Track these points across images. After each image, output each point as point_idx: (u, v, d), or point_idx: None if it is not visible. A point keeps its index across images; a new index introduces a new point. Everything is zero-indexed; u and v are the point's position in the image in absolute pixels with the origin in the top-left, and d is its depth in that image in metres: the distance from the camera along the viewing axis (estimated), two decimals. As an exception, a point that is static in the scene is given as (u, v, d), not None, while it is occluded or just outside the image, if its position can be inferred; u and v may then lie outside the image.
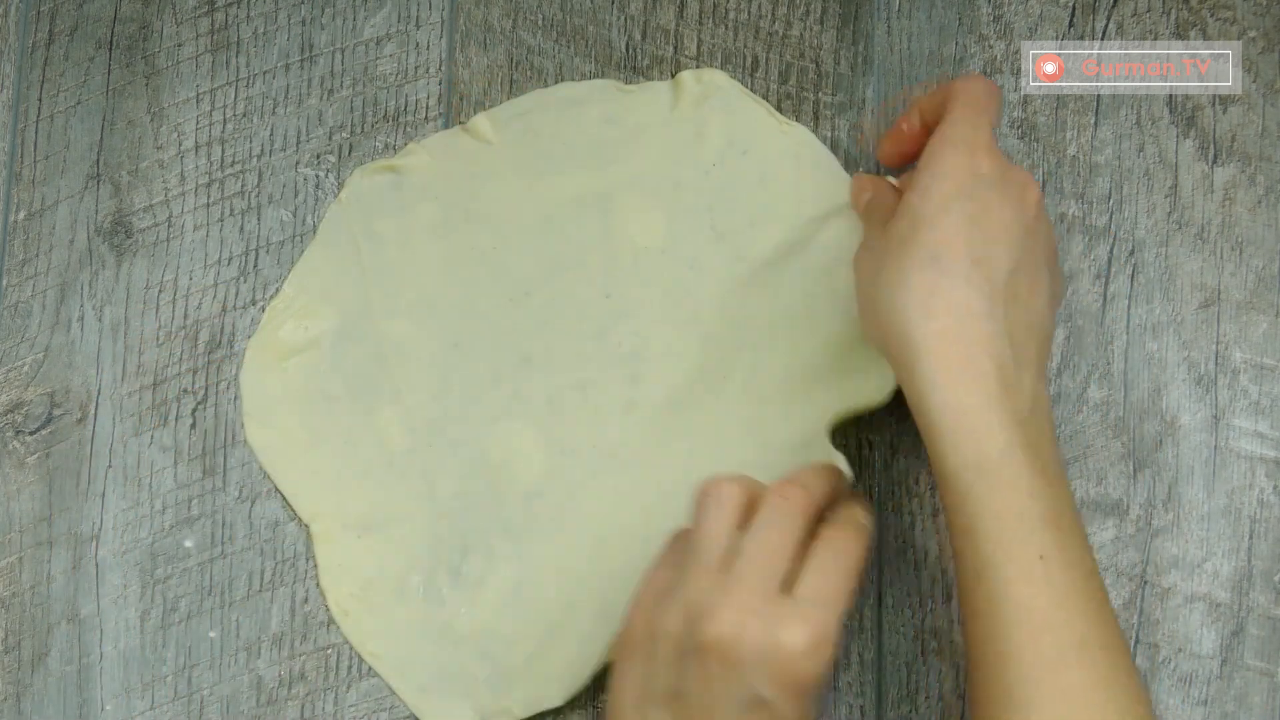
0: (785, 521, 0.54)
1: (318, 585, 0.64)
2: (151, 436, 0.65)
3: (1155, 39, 0.66)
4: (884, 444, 0.64)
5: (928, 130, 0.61)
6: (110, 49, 0.69)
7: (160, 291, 0.67)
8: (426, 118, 0.68)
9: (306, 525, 0.64)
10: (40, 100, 0.68)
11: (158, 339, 0.66)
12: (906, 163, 0.63)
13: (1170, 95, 0.66)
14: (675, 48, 0.68)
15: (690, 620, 0.53)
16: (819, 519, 0.56)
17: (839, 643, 0.53)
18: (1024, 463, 0.53)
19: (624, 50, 0.68)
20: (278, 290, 0.66)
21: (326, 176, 0.67)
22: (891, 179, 0.63)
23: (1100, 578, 0.54)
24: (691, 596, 0.53)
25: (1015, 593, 0.52)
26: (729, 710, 0.52)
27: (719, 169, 0.66)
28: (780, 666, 0.52)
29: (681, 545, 0.56)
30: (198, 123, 0.68)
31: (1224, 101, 0.66)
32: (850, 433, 0.64)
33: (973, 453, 0.53)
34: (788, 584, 0.53)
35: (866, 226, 0.61)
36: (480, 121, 0.67)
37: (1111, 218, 0.65)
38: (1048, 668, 0.51)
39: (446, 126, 0.67)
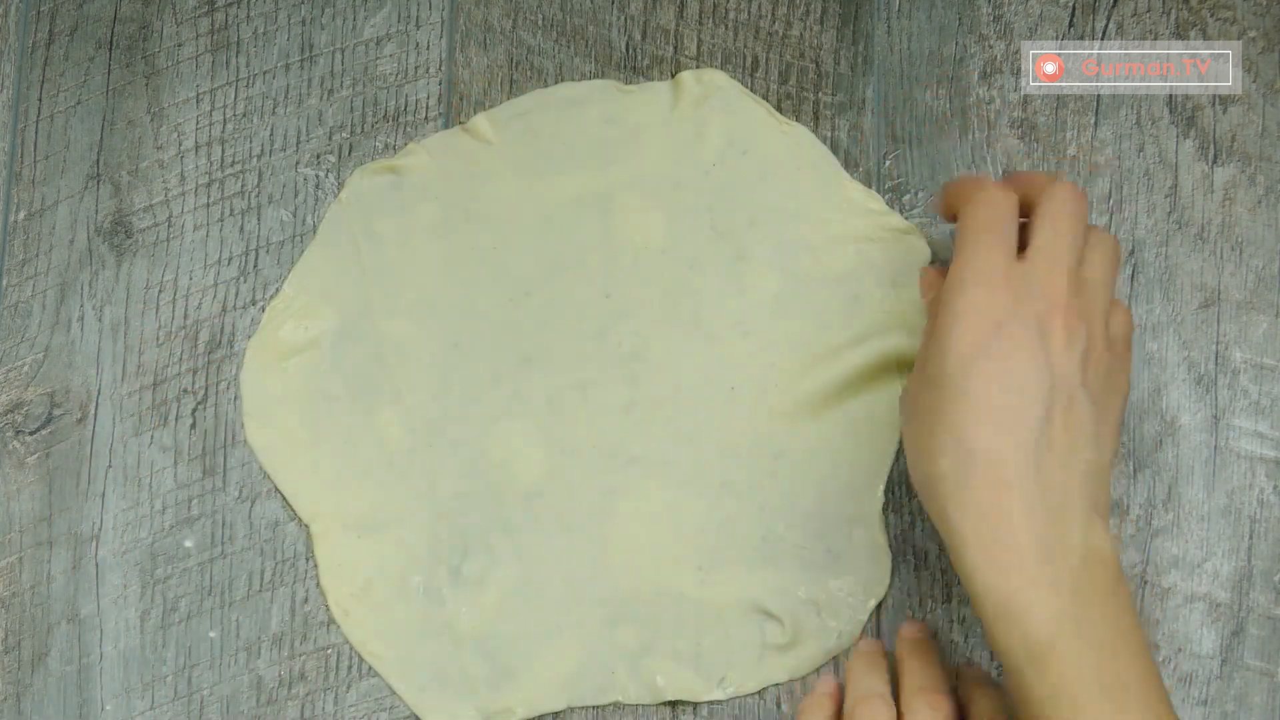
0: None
1: (318, 585, 0.64)
2: (151, 436, 0.65)
3: (1155, 39, 0.66)
4: (884, 444, 0.64)
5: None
6: (110, 49, 0.69)
7: (160, 291, 0.67)
8: (426, 118, 0.68)
9: (306, 525, 0.64)
10: (40, 100, 0.68)
11: (158, 339, 0.66)
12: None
13: (1170, 95, 0.66)
14: (675, 48, 0.68)
15: None
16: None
17: None
18: (1074, 638, 0.51)
19: (624, 50, 0.68)
20: (278, 290, 0.66)
21: (326, 176, 0.67)
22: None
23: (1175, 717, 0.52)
24: None
25: None
26: None
27: (719, 169, 0.66)
28: None
29: None
30: (198, 123, 0.68)
31: (1224, 101, 0.66)
32: (850, 433, 0.64)
33: (1019, 637, 0.52)
34: None
35: (921, 346, 0.58)
36: (480, 121, 0.67)
37: (1111, 218, 0.65)
38: None
39: (446, 126, 0.67)
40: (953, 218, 0.59)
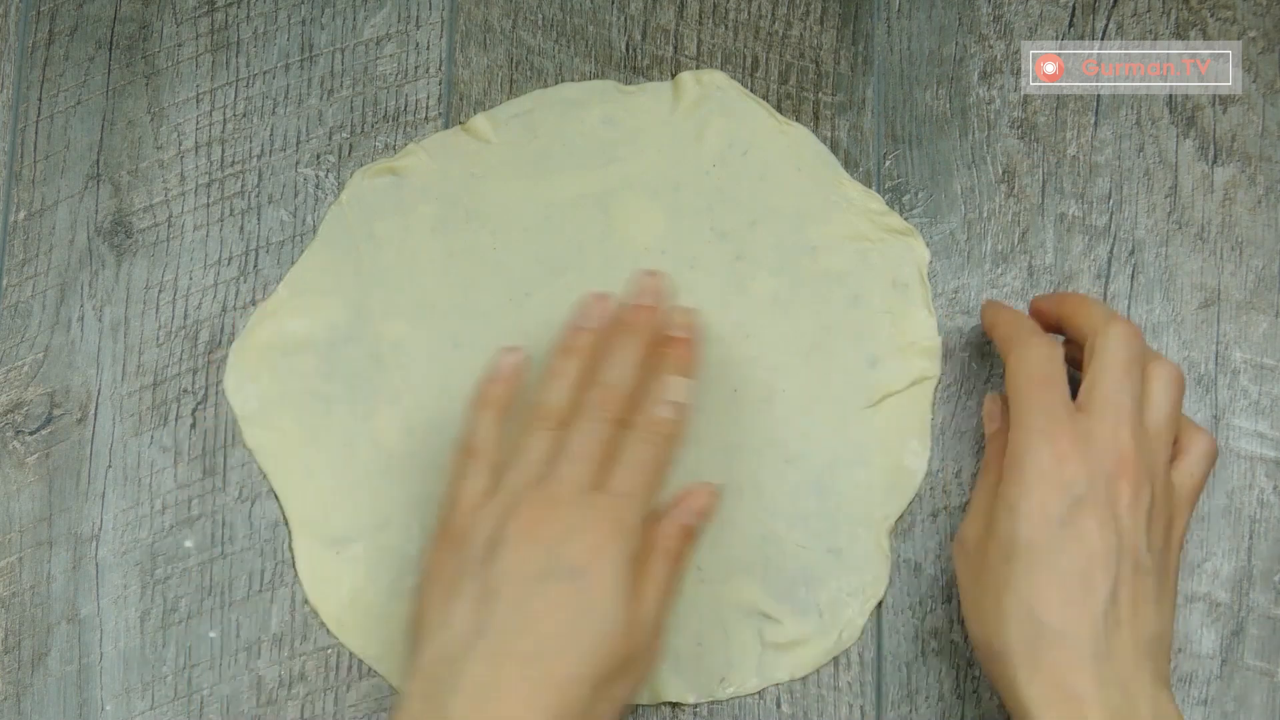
0: (598, 431, 0.57)
1: (307, 601, 0.64)
2: (151, 436, 0.65)
3: (1155, 39, 0.66)
4: (884, 444, 0.64)
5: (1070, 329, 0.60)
6: (110, 49, 0.69)
7: (160, 291, 0.66)
8: (426, 118, 0.68)
9: (290, 537, 0.64)
10: (40, 100, 0.68)
11: (158, 339, 0.66)
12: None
13: (1170, 95, 0.66)
14: (675, 48, 0.68)
15: (504, 515, 0.56)
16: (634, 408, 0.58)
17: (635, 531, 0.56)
18: None
19: (624, 50, 0.68)
20: (273, 292, 0.66)
21: (326, 176, 0.67)
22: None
23: None
24: (505, 501, 0.56)
25: None
26: (536, 582, 0.54)
27: (719, 169, 0.66)
28: (588, 544, 0.55)
29: (474, 448, 0.58)
30: (198, 123, 0.68)
31: (1224, 101, 0.66)
32: (850, 433, 0.64)
33: None
34: (598, 484, 0.56)
35: (979, 483, 0.59)
36: (480, 121, 0.67)
37: (1111, 218, 0.65)
38: None
39: (446, 126, 0.67)
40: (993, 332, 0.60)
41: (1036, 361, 0.57)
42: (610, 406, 0.57)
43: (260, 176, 0.67)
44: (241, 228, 0.67)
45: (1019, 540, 0.54)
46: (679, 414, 0.58)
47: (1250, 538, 0.63)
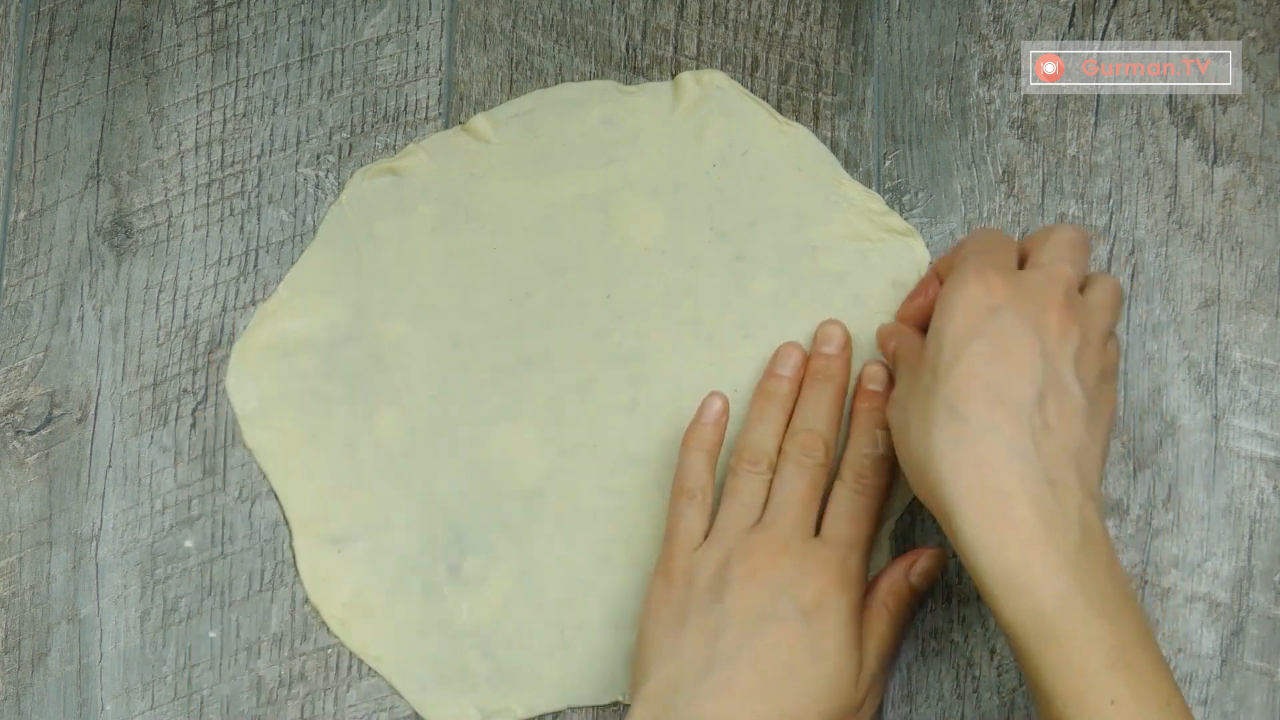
0: (807, 475, 0.59)
1: (307, 601, 0.64)
2: (151, 436, 0.65)
3: (1155, 39, 0.66)
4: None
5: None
6: (110, 49, 0.69)
7: (160, 291, 0.66)
8: (426, 118, 0.68)
9: (291, 536, 0.64)
10: (40, 100, 0.68)
11: (158, 339, 0.66)
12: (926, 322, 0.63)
13: (1170, 95, 0.66)
14: (675, 48, 0.68)
15: (727, 557, 0.58)
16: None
17: (864, 577, 0.59)
18: (1080, 609, 0.51)
19: (624, 50, 0.68)
20: (274, 291, 0.66)
21: (326, 176, 0.67)
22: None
23: (1180, 698, 0.52)
24: (729, 544, 0.58)
25: None
26: (764, 621, 0.56)
27: (719, 169, 0.66)
28: (815, 589, 0.56)
29: (693, 491, 0.60)
30: (198, 123, 0.68)
31: (1224, 101, 0.66)
32: (850, 433, 0.64)
33: (1026, 610, 0.52)
34: (813, 530, 0.59)
35: (897, 376, 0.60)
36: (480, 121, 0.67)
37: (1111, 218, 0.65)
38: None
39: (446, 126, 0.67)
40: (890, 358, 0.61)
41: (985, 233, 0.59)
42: (816, 452, 0.60)
43: (260, 176, 0.67)
44: (241, 228, 0.67)
45: (943, 353, 0.55)
46: (887, 465, 0.60)
47: (1250, 538, 0.63)
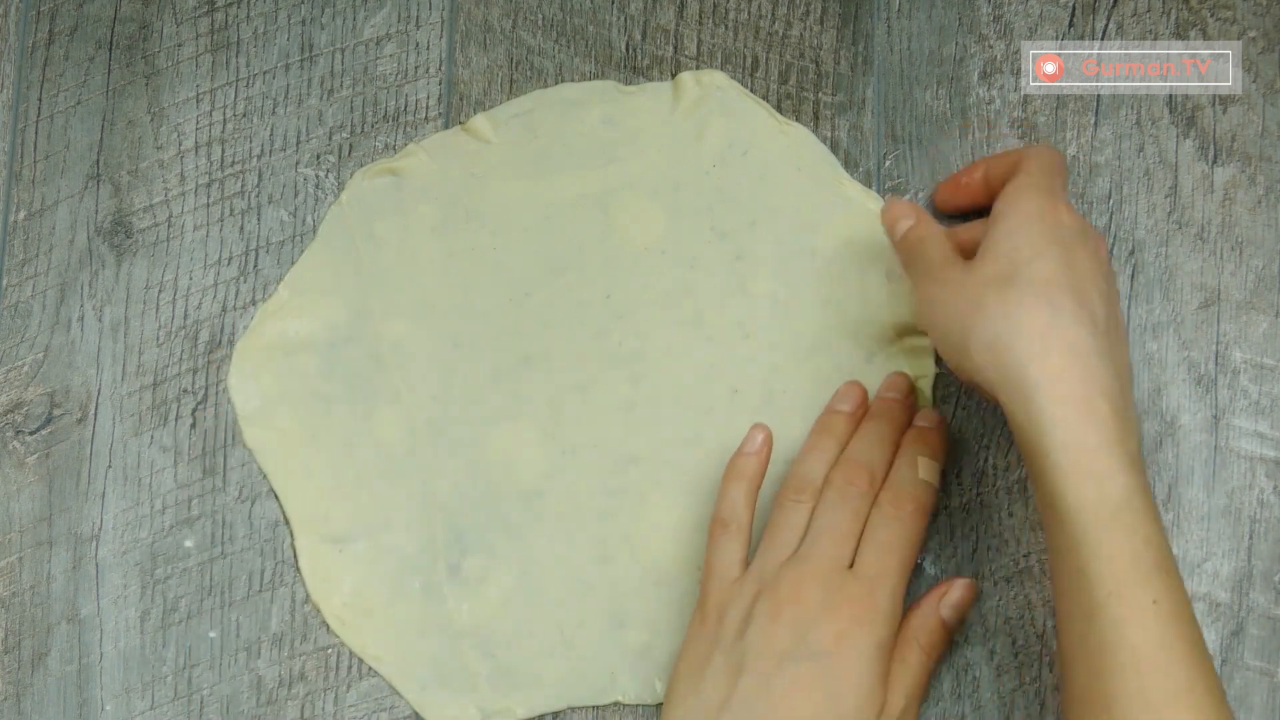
0: (848, 504, 0.59)
1: (308, 600, 0.64)
2: (151, 436, 0.65)
3: (1155, 39, 0.66)
4: (884, 444, 0.64)
5: (989, 189, 0.62)
6: (110, 49, 0.69)
7: (160, 291, 0.66)
8: (426, 118, 0.68)
9: (292, 535, 0.64)
10: (40, 100, 0.68)
11: (158, 339, 0.66)
12: (959, 212, 0.64)
13: (1170, 95, 0.66)
14: (675, 48, 0.68)
15: (756, 592, 0.57)
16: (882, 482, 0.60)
17: (897, 608, 0.58)
18: (1143, 507, 0.53)
19: (624, 50, 0.68)
20: (274, 291, 0.66)
21: (326, 176, 0.67)
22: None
23: (1198, 624, 0.53)
24: (762, 576, 0.58)
25: (1129, 636, 0.52)
26: (782, 662, 0.55)
27: (719, 169, 0.66)
28: (836, 628, 0.56)
29: (727, 521, 0.60)
30: (198, 123, 0.68)
31: (1224, 101, 0.66)
32: (850, 433, 0.64)
33: (1093, 495, 0.52)
34: (851, 561, 0.58)
35: (912, 262, 0.60)
36: (480, 121, 0.67)
37: (1111, 218, 0.65)
38: (1155, 711, 0.51)
39: (446, 126, 0.67)
40: (899, 239, 0.61)
41: (1048, 157, 0.60)
42: (857, 479, 0.59)
43: (260, 176, 0.67)
44: (241, 228, 0.67)
45: (1025, 251, 0.56)
46: (928, 493, 0.60)
47: (1250, 538, 0.63)
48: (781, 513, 0.60)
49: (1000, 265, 0.56)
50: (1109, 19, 0.67)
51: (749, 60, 0.67)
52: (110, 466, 0.65)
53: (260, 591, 0.64)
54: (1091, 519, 0.52)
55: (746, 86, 0.67)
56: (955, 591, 0.60)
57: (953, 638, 0.61)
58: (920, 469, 0.60)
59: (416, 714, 0.63)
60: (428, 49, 0.68)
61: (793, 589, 0.57)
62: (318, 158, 0.67)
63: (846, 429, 0.61)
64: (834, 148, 0.66)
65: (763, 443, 0.60)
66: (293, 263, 0.66)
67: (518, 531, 0.64)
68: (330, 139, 0.67)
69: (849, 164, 0.66)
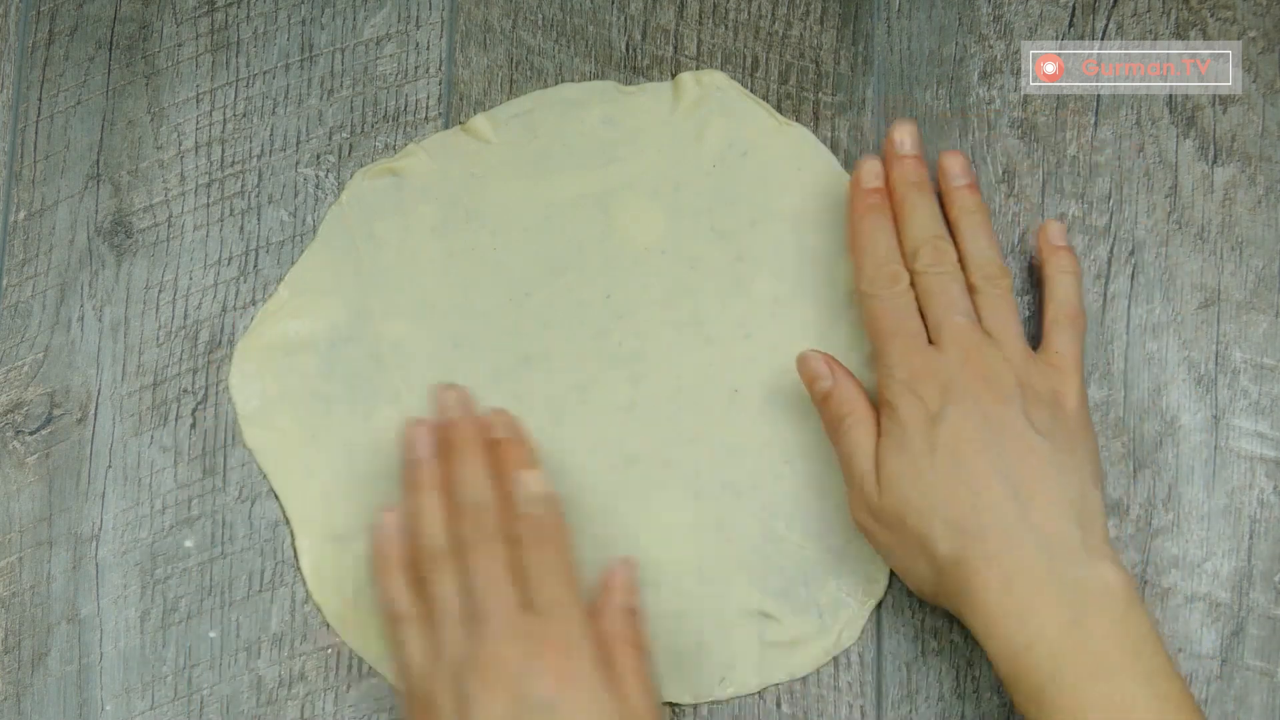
0: (488, 547, 0.57)
1: (308, 600, 0.64)
2: (151, 436, 0.65)
3: (1155, 39, 0.66)
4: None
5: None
6: (110, 49, 0.69)
7: (160, 291, 0.67)
8: (426, 118, 0.68)
9: (293, 534, 0.64)
10: (40, 100, 0.68)
11: (158, 339, 0.66)
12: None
13: (1170, 95, 0.66)
14: (675, 48, 0.68)
15: (458, 673, 0.55)
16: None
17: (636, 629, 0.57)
18: (1072, 678, 0.53)
19: (624, 50, 0.68)
20: (274, 292, 0.66)
21: (326, 176, 0.67)
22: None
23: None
24: (452, 655, 0.55)
25: None
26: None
27: (719, 169, 0.66)
28: (551, 674, 0.54)
29: (405, 611, 0.58)
30: (198, 123, 0.68)
31: (1224, 101, 0.66)
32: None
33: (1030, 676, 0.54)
34: (525, 603, 0.56)
35: (830, 434, 0.61)
36: (480, 121, 0.67)
37: (1111, 218, 0.65)
38: None
39: (446, 126, 0.67)
40: (819, 399, 0.61)
41: (891, 339, 0.60)
42: (487, 526, 0.58)
43: (260, 176, 0.67)
44: (241, 228, 0.67)
45: (910, 460, 0.57)
46: (551, 503, 0.59)
47: (1250, 538, 0.63)
48: (433, 586, 0.57)
49: (914, 444, 0.57)
50: (1109, 19, 0.67)
51: (749, 60, 0.67)
52: (110, 466, 0.65)
53: (260, 591, 0.64)
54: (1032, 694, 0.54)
55: (746, 86, 0.67)
56: (622, 575, 0.59)
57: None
58: (528, 486, 0.59)
59: (416, 714, 0.63)
60: (428, 49, 0.68)
61: (491, 655, 0.55)
62: (318, 158, 0.67)
63: (435, 475, 0.59)
64: (834, 148, 0.66)
65: (397, 524, 0.59)
66: (293, 263, 0.66)
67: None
68: (330, 139, 0.68)
69: (849, 164, 0.66)
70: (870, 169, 0.62)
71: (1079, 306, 0.61)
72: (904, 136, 0.62)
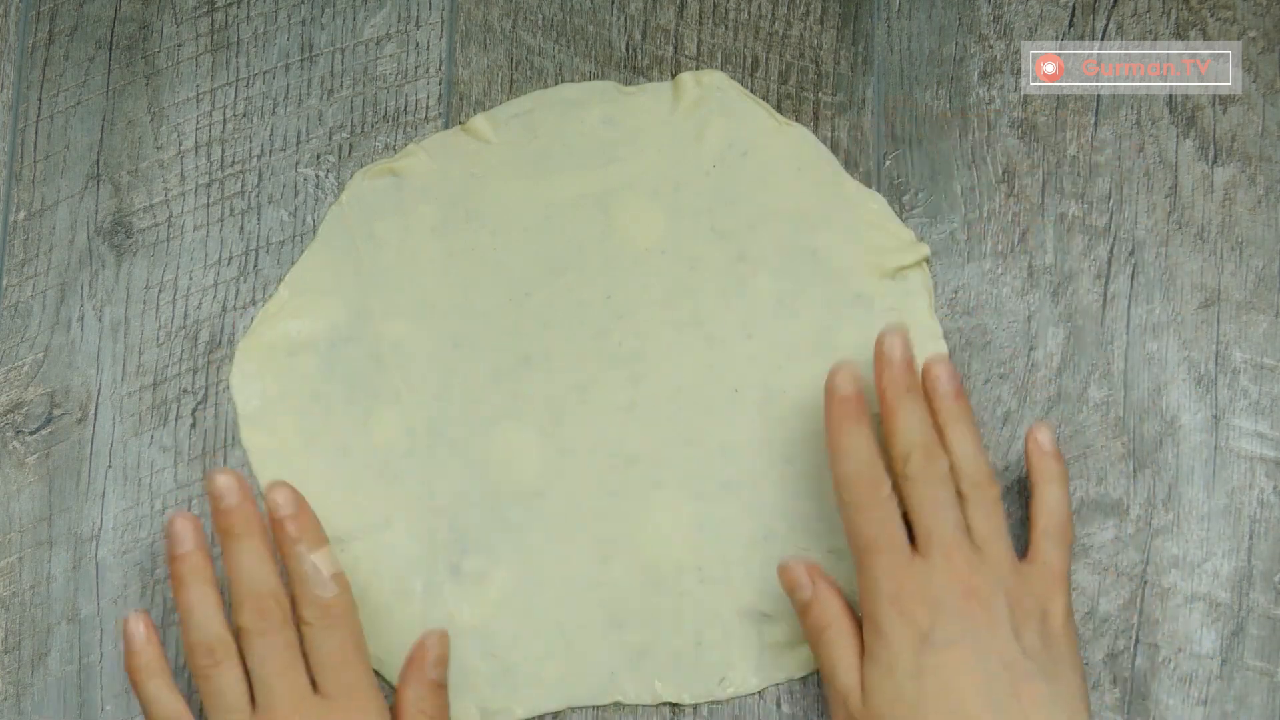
0: (271, 638, 0.57)
1: None
2: (151, 436, 0.65)
3: (1155, 39, 0.66)
4: (884, 444, 0.64)
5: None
6: (110, 49, 0.69)
7: (160, 291, 0.67)
8: (426, 118, 0.68)
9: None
10: (40, 100, 0.68)
11: (158, 339, 0.66)
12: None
13: (1170, 95, 0.66)
14: (675, 48, 0.68)
15: None
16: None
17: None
18: None
19: (624, 50, 0.68)
20: (274, 292, 0.66)
21: (326, 176, 0.67)
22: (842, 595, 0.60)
23: None
24: None
25: None
26: None
27: (719, 169, 0.66)
28: None
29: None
30: (198, 123, 0.68)
31: (1224, 101, 0.66)
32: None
33: None
34: (313, 689, 0.57)
35: (810, 642, 0.60)
36: (480, 122, 0.67)
37: (1111, 218, 0.65)
38: None
39: (446, 126, 0.67)
40: (800, 608, 0.60)
41: (877, 561, 0.58)
42: (271, 614, 0.57)
43: (260, 176, 0.67)
44: (241, 228, 0.67)
45: (902, 682, 0.56)
46: (340, 584, 0.58)
47: (1250, 538, 0.63)
48: (208, 684, 0.57)
49: (901, 663, 0.56)
50: (1109, 19, 0.67)
51: (749, 60, 0.67)
52: (110, 466, 0.65)
53: (260, 591, 0.64)
54: None
55: (746, 86, 0.67)
56: (431, 649, 0.59)
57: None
58: (315, 567, 0.58)
59: (416, 714, 0.63)
60: (428, 49, 0.68)
61: None
62: (318, 158, 0.67)
63: (203, 567, 0.59)
64: (834, 148, 0.66)
65: (145, 632, 0.59)
66: (293, 263, 0.66)
67: (518, 531, 0.64)
68: (330, 139, 0.68)
69: (849, 164, 0.66)
70: (845, 376, 0.59)
71: (1067, 516, 0.60)
72: (894, 347, 0.60)
